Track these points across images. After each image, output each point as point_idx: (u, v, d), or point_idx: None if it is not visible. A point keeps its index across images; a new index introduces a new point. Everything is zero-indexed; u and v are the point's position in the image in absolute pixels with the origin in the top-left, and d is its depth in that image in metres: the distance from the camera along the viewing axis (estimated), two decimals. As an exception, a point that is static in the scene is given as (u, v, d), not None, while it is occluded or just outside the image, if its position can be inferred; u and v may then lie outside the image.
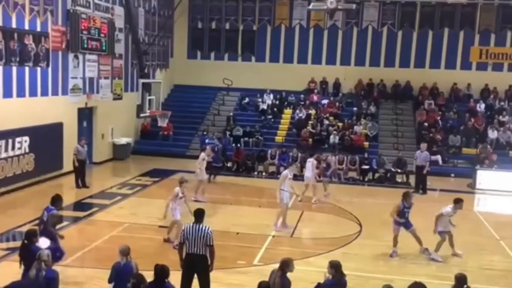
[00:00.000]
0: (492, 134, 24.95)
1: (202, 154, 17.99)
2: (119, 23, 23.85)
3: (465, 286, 7.74)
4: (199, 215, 9.24)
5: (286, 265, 7.89)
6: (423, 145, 20.96)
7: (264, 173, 22.56)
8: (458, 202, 12.83)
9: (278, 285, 7.62)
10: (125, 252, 8.39)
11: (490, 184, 20.80)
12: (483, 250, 13.48)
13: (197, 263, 9.02)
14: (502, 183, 20.71)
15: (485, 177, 21.13)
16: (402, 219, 12.78)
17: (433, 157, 21.57)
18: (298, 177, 18.83)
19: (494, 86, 27.98)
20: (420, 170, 20.23)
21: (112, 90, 23.80)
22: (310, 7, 22.15)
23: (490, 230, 15.38)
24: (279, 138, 26.26)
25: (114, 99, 23.98)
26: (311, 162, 18.08)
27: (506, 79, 27.89)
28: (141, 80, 22.12)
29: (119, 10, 23.63)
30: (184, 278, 9.06)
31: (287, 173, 14.74)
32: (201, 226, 9.08)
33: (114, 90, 24.01)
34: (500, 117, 26.05)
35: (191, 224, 9.14)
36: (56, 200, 10.68)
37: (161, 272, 7.52)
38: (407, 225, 12.88)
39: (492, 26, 27.98)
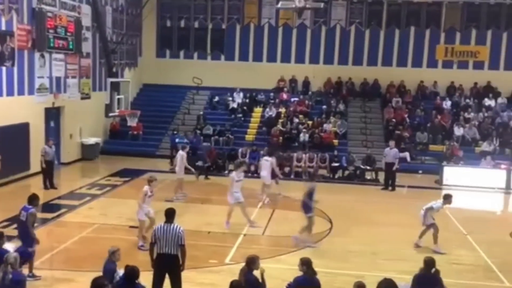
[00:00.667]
0: (458, 131, 25.42)
1: (183, 153, 17.93)
2: (86, 21, 23.55)
3: (433, 269, 7.88)
4: (170, 214, 9.20)
5: (252, 262, 7.94)
6: (392, 142, 21.24)
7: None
8: (447, 197, 13.27)
9: (243, 282, 7.65)
10: (109, 252, 8.43)
11: (457, 180, 21.16)
12: (450, 245, 13.72)
13: (169, 263, 8.98)
14: (468, 179, 21.09)
15: (451, 173, 21.52)
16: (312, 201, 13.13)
17: (401, 154, 21.88)
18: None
19: (459, 84, 28.51)
20: (390, 167, 20.48)
21: (79, 90, 23.52)
22: (279, 5, 22.23)
23: (457, 225, 15.68)
24: (249, 137, 26.26)
25: (82, 98, 23.70)
26: (269, 161, 17.95)
27: (471, 76, 28.45)
28: (110, 79, 21.89)
29: (86, 9, 23.33)
30: (155, 278, 9.01)
31: (234, 175, 14.76)
32: (172, 225, 9.05)
33: (82, 90, 23.72)
34: (466, 114, 26.56)
35: (162, 224, 9.10)
36: (33, 199, 10.60)
37: (131, 273, 7.48)
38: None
39: (457, 24, 28.51)
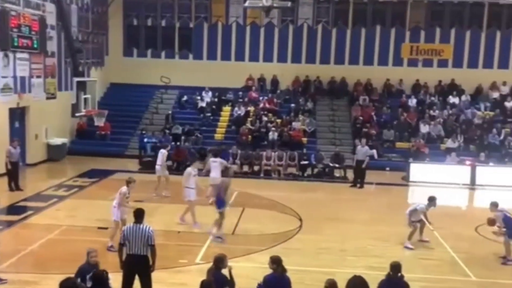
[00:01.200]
0: (424, 128, 25.85)
1: (165, 151, 18.13)
2: (51, 20, 23.18)
3: (399, 274, 8.00)
4: (139, 215, 9.15)
5: (219, 261, 7.97)
6: (363, 140, 21.58)
7: (204, 171, 22.42)
8: (432, 200, 13.55)
9: (212, 282, 7.69)
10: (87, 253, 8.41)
11: (423, 177, 21.51)
12: (418, 241, 13.95)
13: (139, 264, 8.94)
14: (434, 175, 21.45)
15: (418, 170, 21.85)
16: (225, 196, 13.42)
17: (368, 152, 22.15)
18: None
19: (424, 82, 28.99)
20: (360, 164, 20.75)
21: (45, 89, 23.15)
22: (246, 4, 22.29)
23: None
24: (218, 136, 26.25)
25: (48, 98, 23.34)
26: (217, 162, 17.21)
27: (436, 74, 28.97)
28: (76, 79, 21.62)
29: (50, 7, 22.96)
30: (125, 279, 8.95)
31: (190, 170, 14.81)
32: (141, 226, 9.01)
33: (47, 89, 23.35)
34: (431, 112, 27.03)
35: (131, 225, 9.05)
36: None
37: (100, 278, 7.42)
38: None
39: (421, 23, 28.99)
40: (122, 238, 8.99)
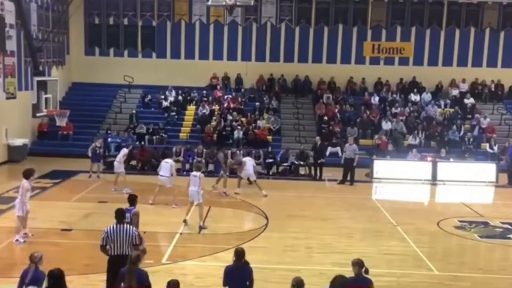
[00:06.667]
0: (386, 125, 26.25)
1: (126, 150, 18.85)
2: (10, 18, 22.62)
3: (364, 267, 8.15)
4: (121, 214, 9.03)
5: (137, 259, 7.98)
6: (351, 139, 22.14)
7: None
8: None
9: (134, 280, 7.70)
10: (36, 258, 8.09)
11: (386, 173, 21.85)
12: (381, 236, 14.19)
13: (123, 264, 8.78)
14: (396, 172, 21.82)
15: (381, 166, 22.17)
16: None
17: (332, 149, 22.38)
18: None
19: (386, 80, 29.45)
20: (349, 162, 21.00)
21: (4, 89, 22.59)
22: (209, 2, 22.29)
23: (387, 216, 16.19)
24: (183, 135, 26.14)
25: (7, 98, 22.77)
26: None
27: (397, 72, 29.45)
28: (36, 78, 21.21)
29: (9, 5, 22.40)
30: (109, 280, 8.79)
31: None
32: (125, 226, 8.90)
33: (7, 89, 22.78)
34: (393, 109, 27.48)
35: (114, 225, 8.87)
36: None
37: (57, 276, 7.29)
38: None
39: (383, 21, 29.45)
40: (105, 240, 8.79)
